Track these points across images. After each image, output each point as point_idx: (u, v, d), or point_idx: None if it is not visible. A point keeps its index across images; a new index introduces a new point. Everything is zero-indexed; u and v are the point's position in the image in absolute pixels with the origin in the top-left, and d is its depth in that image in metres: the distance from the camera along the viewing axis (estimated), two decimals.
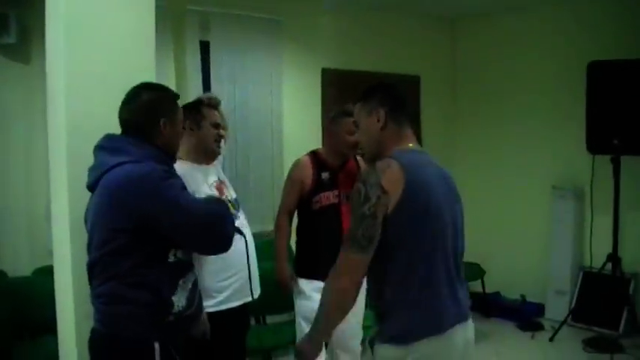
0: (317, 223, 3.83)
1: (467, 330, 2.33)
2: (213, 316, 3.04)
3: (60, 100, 2.74)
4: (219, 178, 3.30)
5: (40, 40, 3.10)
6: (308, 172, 3.86)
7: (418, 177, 2.21)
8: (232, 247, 3.05)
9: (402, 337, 2.19)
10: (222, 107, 5.55)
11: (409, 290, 2.19)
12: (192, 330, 2.79)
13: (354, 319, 3.76)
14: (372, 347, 2.32)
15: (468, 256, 6.46)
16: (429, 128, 7.28)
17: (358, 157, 3.88)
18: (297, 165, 3.95)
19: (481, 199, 7.20)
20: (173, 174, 2.41)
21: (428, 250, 2.21)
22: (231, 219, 2.50)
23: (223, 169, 3.76)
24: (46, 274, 3.40)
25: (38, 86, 2.99)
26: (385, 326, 2.26)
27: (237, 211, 3.26)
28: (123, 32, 2.89)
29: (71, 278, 2.72)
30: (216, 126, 3.26)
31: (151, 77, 2.82)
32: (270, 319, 5.22)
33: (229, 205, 3.16)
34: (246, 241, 3.22)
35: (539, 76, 6.71)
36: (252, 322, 4.97)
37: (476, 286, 6.66)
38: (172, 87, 5.21)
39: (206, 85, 5.64)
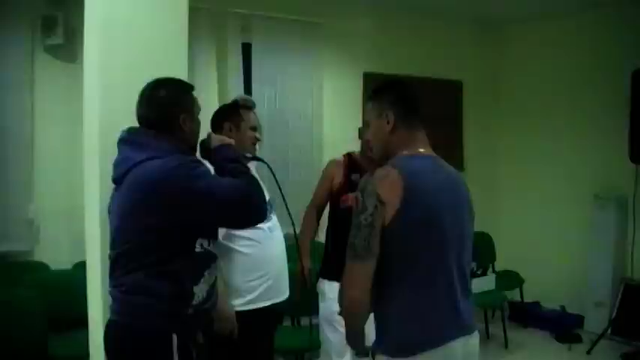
0: (341, 223, 3.84)
1: (468, 343, 2.25)
2: (241, 315, 3.08)
3: (94, 99, 2.83)
4: None
5: None
6: (339, 172, 3.92)
7: (418, 186, 2.13)
8: (262, 251, 3.12)
9: (402, 350, 2.14)
10: (264, 109, 5.68)
11: (408, 302, 2.15)
12: (217, 327, 2.84)
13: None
14: (373, 356, 2.30)
15: (507, 264, 6.50)
16: (470, 133, 7.31)
17: None
18: (331, 163, 4.06)
19: (521, 206, 7.22)
20: (200, 162, 2.43)
21: (427, 262, 2.14)
22: (260, 190, 2.49)
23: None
24: (85, 267, 3.49)
25: (82, 85, 3.10)
26: (385, 337, 2.22)
27: (270, 212, 3.29)
28: (157, 35, 2.96)
29: (100, 272, 2.78)
30: (254, 129, 3.31)
31: (183, 78, 2.87)
32: (304, 321, 5.25)
33: None
34: (277, 242, 3.27)
35: (582, 82, 6.61)
36: (288, 322, 5.02)
37: (514, 294, 6.61)
38: (214, 88, 5.34)
39: (247, 87, 5.70)
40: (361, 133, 3.97)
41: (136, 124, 2.52)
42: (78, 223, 4.56)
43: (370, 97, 2.43)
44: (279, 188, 3.11)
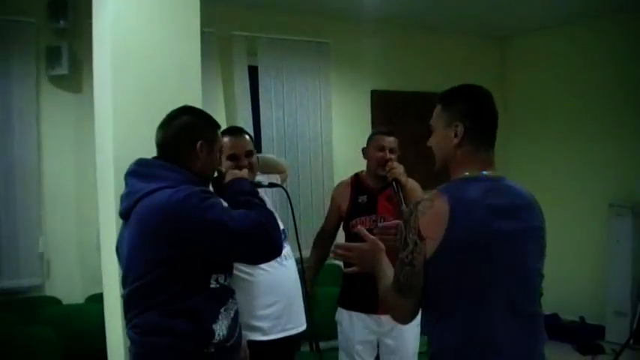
0: None
1: None
2: (254, 345, 2.92)
3: (107, 130, 2.78)
4: None
5: (91, 70, 3.15)
6: (346, 195, 3.79)
7: (467, 217, 1.90)
8: (271, 279, 2.97)
9: None
10: (272, 131, 5.59)
11: (453, 342, 1.95)
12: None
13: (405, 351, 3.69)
14: None
15: None
16: None
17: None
18: (337, 186, 3.97)
19: None
20: (211, 193, 2.33)
21: (476, 302, 1.91)
22: (275, 223, 2.37)
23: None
24: (98, 301, 3.42)
25: (88, 115, 3.05)
26: None
27: (283, 241, 3.16)
28: (169, 63, 2.92)
29: (120, 305, 2.70)
30: (233, 158, 3.03)
31: (197, 104, 2.81)
32: (324, 345, 5.13)
33: None
34: (290, 271, 3.12)
35: (593, 89, 6.55)
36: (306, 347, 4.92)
37: None
38: (222, 113, 5.27)
39: (255, 110, 5.66)
40: (365, 153, 3.83)
41: (153, 154, 2.44)
42: (89, 255, 4.53)
43: (440, 100, 2.13)
44: (293, 216, 2.98)
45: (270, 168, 3.47)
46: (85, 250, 4.66)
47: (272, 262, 2.97)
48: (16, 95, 4.67)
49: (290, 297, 3.10)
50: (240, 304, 2.88)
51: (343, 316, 3.73)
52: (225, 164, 2.96)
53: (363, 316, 3.64)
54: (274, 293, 3.02)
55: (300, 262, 3.17)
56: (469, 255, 1.90)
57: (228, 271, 2.41)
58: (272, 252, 2.41)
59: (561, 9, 6.19)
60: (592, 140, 6.56)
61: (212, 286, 2.29)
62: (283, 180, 3.59)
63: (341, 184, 3.94)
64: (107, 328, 3.02)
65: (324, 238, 3.90)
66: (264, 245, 2.32)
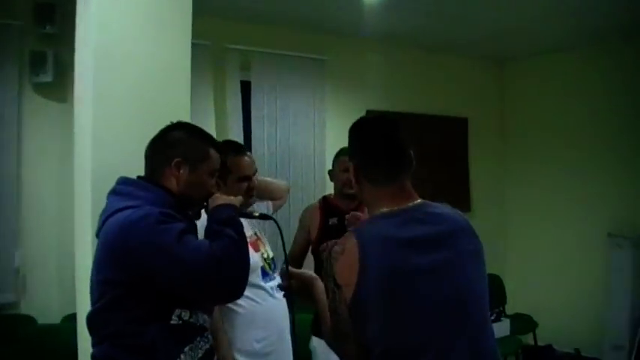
0: None
1: None
2: None
3: (86, 140, 2.60)
4: (255, 233, 3.01)
5: None
6: (315, 218, 3.69)
7: (381, 258, 1.75)
8: (260, 311, 2.81)
9: None
10: (264, 149, 5.43)
11: None
12: None
13: None
14: None
15: (520, 308, 6.22)
16: (477, 171, 7.15)
17: None
18: (305, 210, 3.87)
19: (532, 246, 7.02)
20: (173, 217, 2.09)
21: (411, 349, 1.74)
22: (240, 261, 2.10)
23: None
24: (75, 321, 3.23)
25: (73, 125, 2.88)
26: None
27: (274, 271, 2.98)
28: (156, 74, 2.74)
29: None
30: (246, 179, 2.92)
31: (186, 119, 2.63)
32: None
33: (265, 264, 2.92)
34: (282, 304, 2.92)
35: (593, 116, 6.45)
36: None
37: (527, 338, 6.38)
38: (212, 128, 5.10)
39: (247, 126, 5.51)
40: (331, 175, 3.79)
41: (133, 170, 2.27)
42: (69, 272, 4.30)
43: None
44: (284, 247, 2.80)
45: (267, 193, 3.32)
46: (65, 267, 4.44)
47: (262, 294, 2.83)
48: None
49: (280, 332, 2.91)
50: (230, 336, 2.74)
51: (316, 343, 3.54)
52: (235, 186, 2.83)
53: None
54: (264, 327, 2.85)
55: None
56: (389, 298, 1.74)
57: (194, 308, 2.17)
58: (223, 292, 2.13)
59: (563, 34, 6.11)
60: (592, 168, 6.45)
61: (173, 322, 2.08)
62: (278, 207, 3.50)
63: (309, 207, 3.85)
64: (79, 353, 2.83)
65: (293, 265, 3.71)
66: (215, 282, 2.04)
